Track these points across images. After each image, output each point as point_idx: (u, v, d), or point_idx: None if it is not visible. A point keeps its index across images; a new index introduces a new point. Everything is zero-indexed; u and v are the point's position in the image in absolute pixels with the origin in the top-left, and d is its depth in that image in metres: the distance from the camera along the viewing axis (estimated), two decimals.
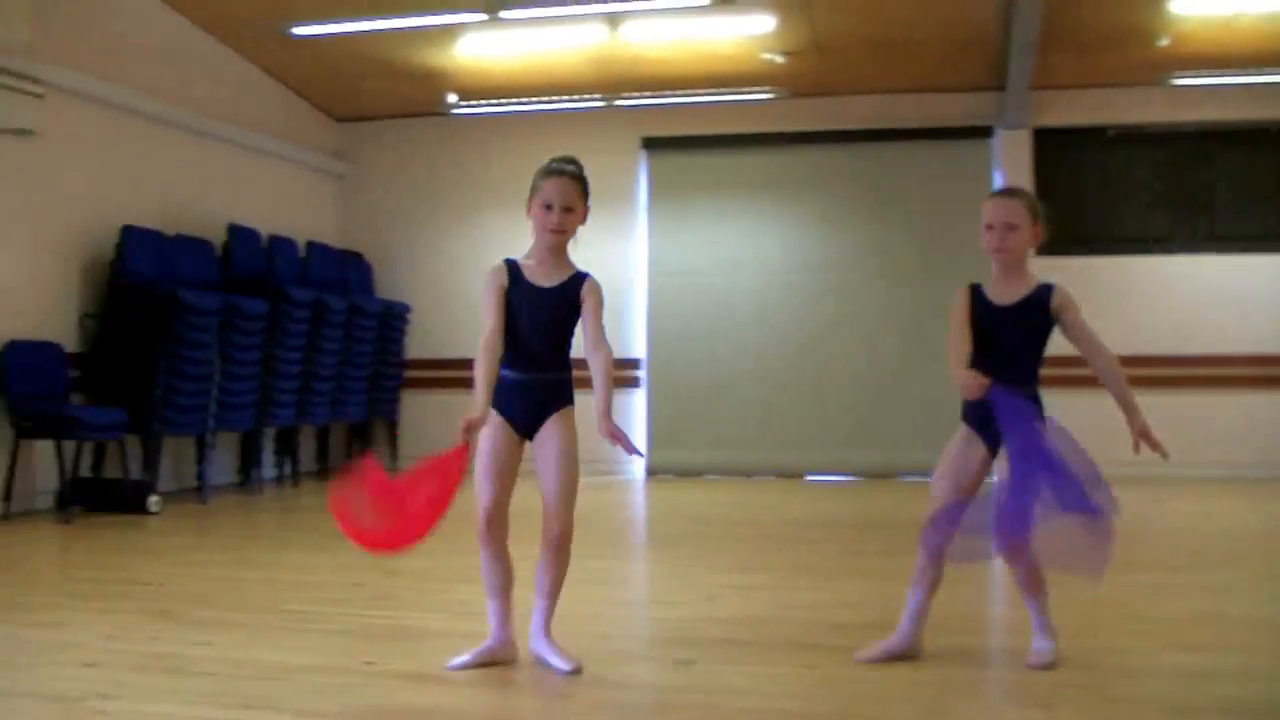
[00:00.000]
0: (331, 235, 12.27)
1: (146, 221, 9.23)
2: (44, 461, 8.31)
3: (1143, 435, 4.03)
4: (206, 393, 9.01)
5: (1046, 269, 10.83)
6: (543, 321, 4.07)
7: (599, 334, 4.06)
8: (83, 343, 8.82)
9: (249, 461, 9.96)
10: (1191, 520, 8.43)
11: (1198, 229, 11.09)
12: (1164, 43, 9.88)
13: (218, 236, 10.03)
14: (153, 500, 8.34)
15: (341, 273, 11.55)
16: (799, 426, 11.29)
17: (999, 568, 6.68)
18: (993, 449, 4.08)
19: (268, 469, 10.35)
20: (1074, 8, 9.28)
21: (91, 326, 8.84)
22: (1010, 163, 11.26)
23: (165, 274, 9.09)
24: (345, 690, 3.76)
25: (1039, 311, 4.13)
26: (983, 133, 11.28)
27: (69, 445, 8.29)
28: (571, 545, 4.05)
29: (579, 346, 4.12)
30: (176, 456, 9.65)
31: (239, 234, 10.22)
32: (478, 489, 4.00)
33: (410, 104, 12.04)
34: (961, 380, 3.95)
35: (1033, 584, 4.09)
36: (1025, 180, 11.25)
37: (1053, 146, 11.33)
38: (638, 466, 11.72)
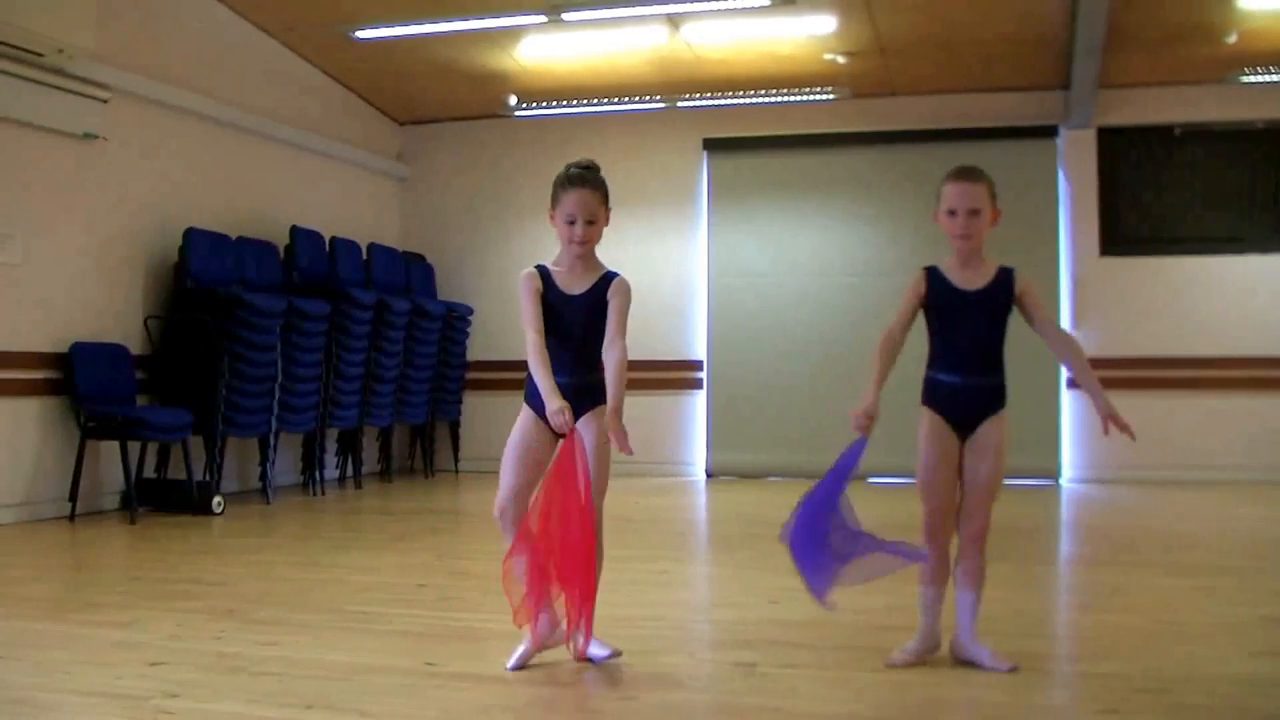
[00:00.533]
0: (394, 237, 12.33)
1: (210, 224, 9.31)
2: (110, 462, 8.39)
3: (1111, 417, 3.94)
4: (269, 394, 9.07)
5: (1114, 269, 10.74)
6: (578, 324, 4.08)
7: (617, 332, 4.04)
8: (147, 345, 8.91)
9: (311, 463, 10.01)
10: (1253, 524, 8.29)
11: (1267, 228, 10.91)
12: (1232, 39, 9.73)
13: (281, 239, 10.10)
14: (216, 501, 8.41)
15: (404, 275, 11.60)
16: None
17: (1052, 575, 6.62)
18: (963, 435, 4.06)
19: (330, 470, 10.40)
20: (1140, 5, 9.15)
21: (156, 328, 8.92)
22: (1075, 162, 11.15)
23: (229, 276, 9.16)
24: (406, 691, 3.76)
25: (1004, 295, 4.06)
26: (1047, 132, 11.17)
27: (134, 446, 8.37)
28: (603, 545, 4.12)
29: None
30: (239, 457, 9.72)
31: (302, 236, 10.28)
32: (501, 477, 4.06)
33: (471, 106, 12.07)
34: (860, 408, 3.97)
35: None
36: (1090, 180, 11.15)
37: (1118, 146, 11.19)
38: (698, 468, 11.70)
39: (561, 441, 3.97)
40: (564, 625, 4.07)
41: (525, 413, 4.09)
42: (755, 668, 4.07)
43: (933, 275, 4.12)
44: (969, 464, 4.05)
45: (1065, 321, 10.90)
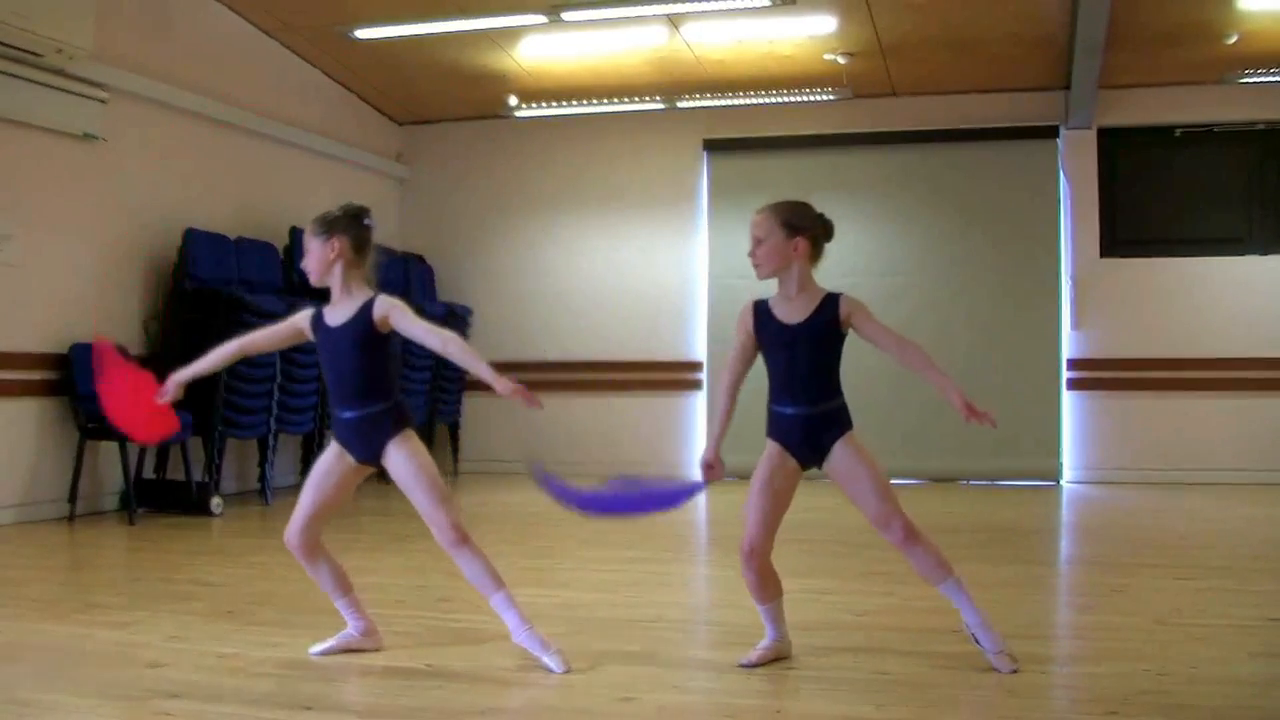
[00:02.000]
0: (393, 238, 12.31)
1: (210, 225, 9.30)
2: (109, 463, 8.39)
3: (967, 406, 3.96)
4: (268, 395, 9.06)
5: (1115, 269, 10.76)
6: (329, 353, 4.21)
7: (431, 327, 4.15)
8: (147, 345, 8.90)
9: (310, 463, 9.96)
10: (1253, 525, 8.29)
11: (1268, 228, 10.91)
12: (1232, 40, 9.72)
13: (281, 239, 10.09)
14: (215, 502, 8.41)
15: (403, 275, 11.58)
16: (862, 430, 11.20)
17: (1065, 577, 6.62)
18: (803, 465, 4.18)
19: None
20: (1140, 6, 9.14)
21: (155, 329, 8.91)
22: (1075, 163, 11.14)
23: (228, 277, 9.16)
24: (406, 692, 3.76)
25: (832, 323, 4.06)
26: (1048, 133, 11.15)
27: (133, 447, 8.36)
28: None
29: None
30: (238, 458, 9.72)
31: (301, 237, 10.23)
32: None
33: (471, 106, 12.07)
34: (703, 460, 4.35)
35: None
36: (1090, 181, 11.14)
37: (1118, 146, 11.19)
38: (698, 469, 11.67)
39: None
40: (362, 626, 4.29)
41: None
42: (757, 669, 4.06)
43: (759, 309, 4.12)
44: (845, 486, 4.13)
45: (1065, 322, 10.91)
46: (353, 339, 4.11)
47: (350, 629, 4.27)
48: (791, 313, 4.06)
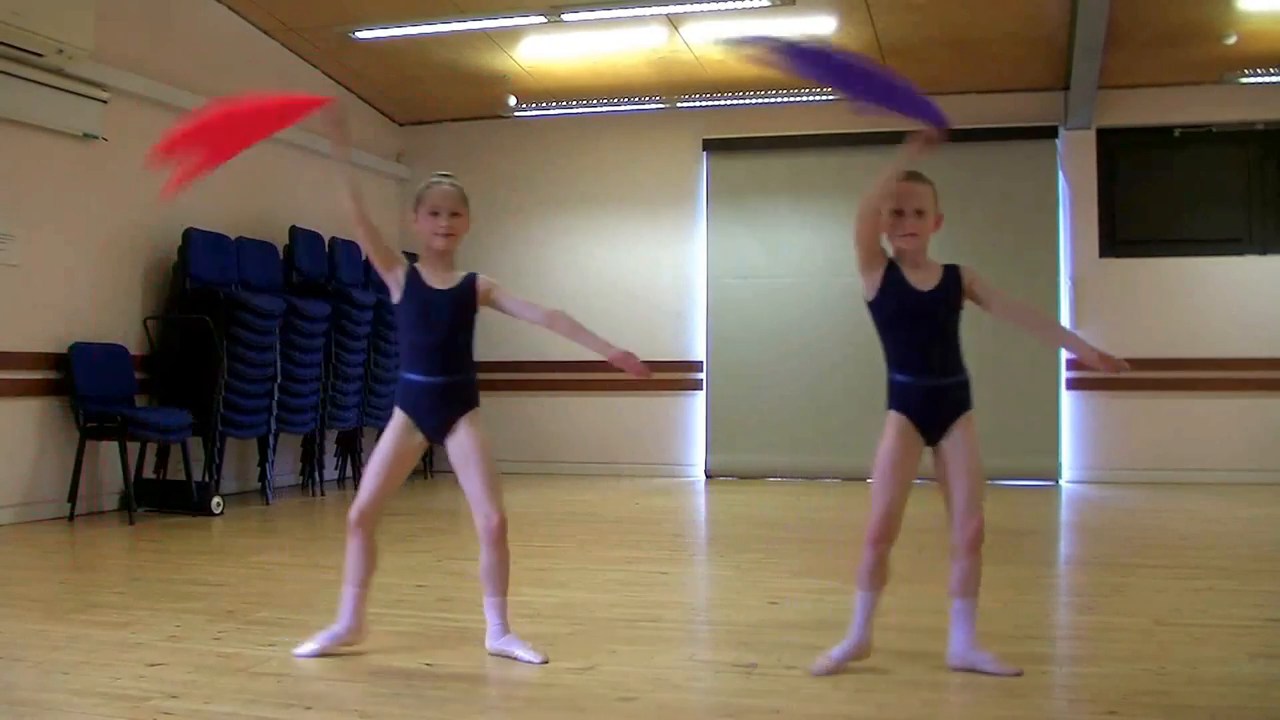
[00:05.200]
0: (393, 238, 12.32)
1: (210, 224, 9.30)
2: (109, 463, 8.39)
3: (1101, 357, 3.96)
4: (269, 395, 9.07)
5: (1114, 270, 10.75)
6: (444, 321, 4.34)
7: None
8: (147, 345, 8.90)
9: (311, 464, 10.01)
10: (1253, 525, 8.28)
11: (1268, 228, 10.91)
12: (1231, 40, 9.73)
13: (280, 239, 10.10)
14: (216, 502, 8.40)
15: None
16: (861, 429, 11.17)
17: (1062, 577, 6.62)
18: (931, 439, 4.04)
19: (329, 471, 10.39)
20: (1139, 6, 9.15)
21: (155, 329, 8.92)
22: (1075, 163, 11.16)
23: (228, 276, 9.17)
24: (406, 691, 3.76)
25: (956, 291, 4.04)
26: (1047, 133, 11.17)
27: (133, 447, 8.37)
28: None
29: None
30: (239, 458, 9.72)
31: (301, 236, 10.28)
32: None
33: (471, 107, 12.07)
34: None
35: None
36: (1090, 181, 11.15)
37: (1118, 147, 11.21)
38: (698, 469, 11.71)
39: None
40: (353, 624, 4.23)
41: (397, 416, 4.22)
42: (755, 668, 4.06)
43: (891, 265, 4.07)
44: (951, 469, 4.03)
45: (1065, 322, 10.90)
46: (457, 306, 4.27)
47: (340, 625, 4.23)
48: (921, 280, 4.03)
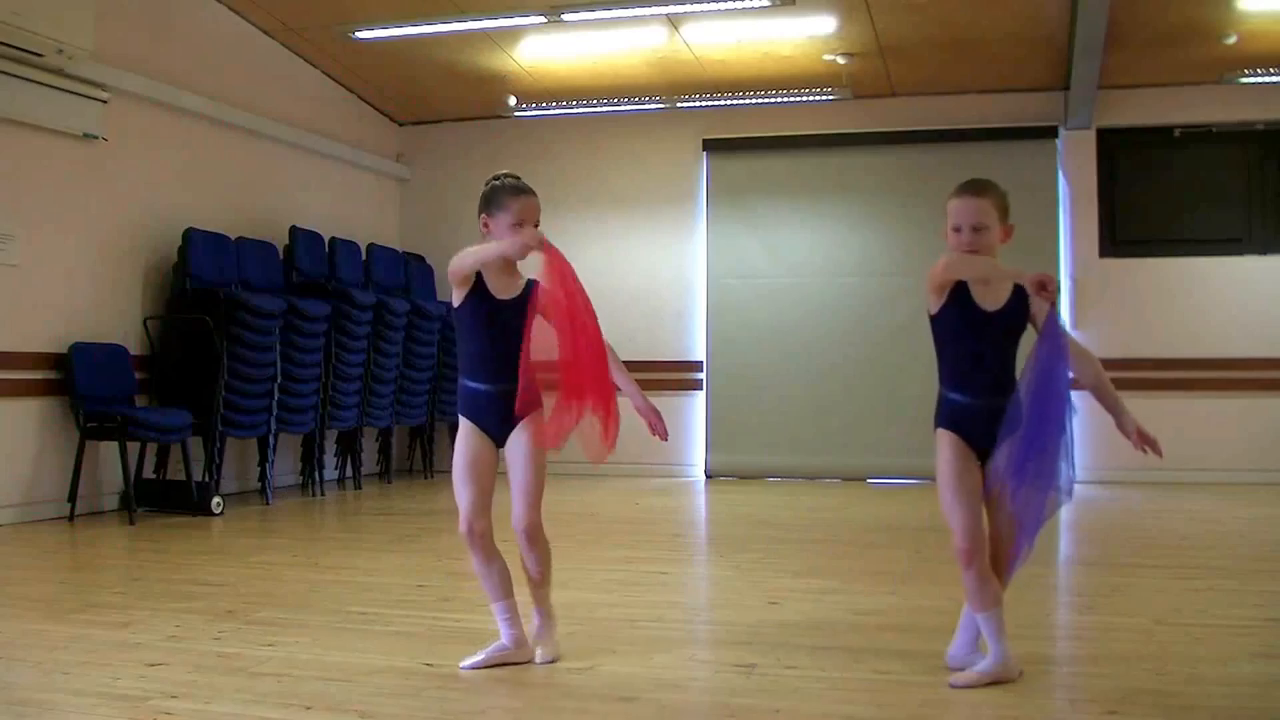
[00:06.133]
0: (393, 238, 12.34)
1: (210, 224, 9.30)
2: (109, 463, 8.39)
3: (1140, 435, 3.92)
4: (269, 395, 9.06)
5: (1114, 270, 10.74)
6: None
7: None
8: (146, 345, 8.90)
9: (311, 463, 10.00)
10: (1253, 525, 8.28)
11: (1268, 228, 10.91)
12: (1231, 40, 9.72)
13: (280, 239, 10.10)
14: (216, 502, 8.40)
15: (403, 275, 11.60)
16: (861, 429, 11.21)
17: (1059, 574, 6.61)
18: (982, 454, 3.93)
19: (329, 471, 10.40)
20: (1139, 6, 9.15)
21: (155, 329, 8.92)
22: (1075, 163, 11.15)
23: (228, 276, 9.17)
24: (406, 692, 3.76)
25: (1023, 314, 3.91)
26: (1047, 133, 11.16)
27: (133, 447, 8.37)
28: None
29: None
30: (239, 458, 9.72)
31: (301, 237, 10.28)
32: (457, 495, 4.11)
33: (471, 107, 12.08)
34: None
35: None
36: (1090, 181, 11.14)
37: (1118, 147, 11.20)
38: (698, 469, 11.71)
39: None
40: (532, 644, 4.16)
41: (464, 425, 4.16)
42: (755, 668, 4.06)
43: (960, 286, 3.93)
44: (991, 485, 3.89)
45: (1065, 323, 10.87)
46: (523, 315, 4.18)
47: (504, 639, 4.14)
48: (988, 298, 3.90)
